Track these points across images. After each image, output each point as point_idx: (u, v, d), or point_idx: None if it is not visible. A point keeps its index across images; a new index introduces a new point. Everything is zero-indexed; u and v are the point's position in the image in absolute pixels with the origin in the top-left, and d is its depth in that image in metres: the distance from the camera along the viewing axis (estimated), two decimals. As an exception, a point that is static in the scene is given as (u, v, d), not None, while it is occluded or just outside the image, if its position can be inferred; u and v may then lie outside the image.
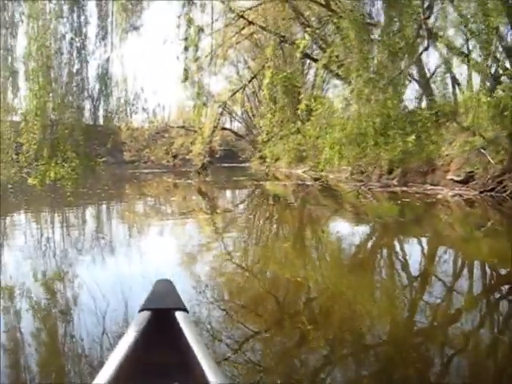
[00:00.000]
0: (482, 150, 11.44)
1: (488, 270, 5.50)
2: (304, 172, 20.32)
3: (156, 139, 29.90)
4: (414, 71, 13.55)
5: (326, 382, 2.85)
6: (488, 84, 11.58)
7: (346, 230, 8.37)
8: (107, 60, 9.83)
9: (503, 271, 5.31)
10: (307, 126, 13.82)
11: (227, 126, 31.62)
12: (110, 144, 15.13)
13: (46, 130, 9.19)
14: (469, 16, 11.25)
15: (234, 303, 4.18)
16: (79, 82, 9.23)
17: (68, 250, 6.37)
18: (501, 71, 11.83)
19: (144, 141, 28.95)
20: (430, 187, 12.88)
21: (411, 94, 14.09)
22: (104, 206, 11.75)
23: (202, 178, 19.07)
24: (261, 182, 17.88)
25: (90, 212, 10.89)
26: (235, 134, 33.03)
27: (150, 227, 8.48)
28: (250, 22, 16.97)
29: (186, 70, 13.40)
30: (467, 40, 12.04)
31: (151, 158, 29.97)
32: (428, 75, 13.97)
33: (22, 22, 8.55)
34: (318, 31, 15.56)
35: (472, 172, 11.92)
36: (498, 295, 4.60)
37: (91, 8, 9.89)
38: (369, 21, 11.39)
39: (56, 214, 10.05)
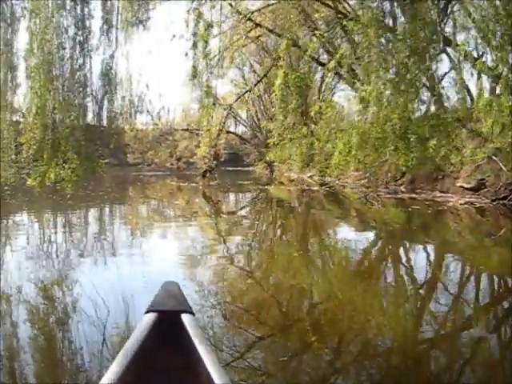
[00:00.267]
0: (494, 157, 11.14)
1: (496, 279, 5.30)
2: (310, 177, 20.06)
3: (160, 141, 29.84)
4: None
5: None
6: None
7: (361, 244, 7.82)
8: (111, 56, 9.58)
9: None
10: (317, 128, 13.51)
11: (232, 129, 31.46)
12: (112, 145, 14.89)
13: (46, 129, 8.95)
14: (488, 19, 10.88)
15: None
16: (82, 79, 8.98)
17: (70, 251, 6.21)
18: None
19: (148, 143, 28.88)
20: (439, 194, 12.58)
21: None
22: (107, 209, 11.50)
23: (207, 182, 18.89)
24: (266, 187, 17.63)
25: (92, 214, 10.61)
26: (240, 137, 32.89)
27: (152, 230, 8.27)
28: (258, 25, 16.78)
29: (194, 67, 12.86)
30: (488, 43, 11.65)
31: (155, 160, 29.90)
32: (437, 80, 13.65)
33: (24, 17, 8.36)
34: (326, 34, 15.28)
35: (483, 179, 11.62)
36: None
37: (95, 1, 9.66)
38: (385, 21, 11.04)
39: (56, 216, 9.77)
